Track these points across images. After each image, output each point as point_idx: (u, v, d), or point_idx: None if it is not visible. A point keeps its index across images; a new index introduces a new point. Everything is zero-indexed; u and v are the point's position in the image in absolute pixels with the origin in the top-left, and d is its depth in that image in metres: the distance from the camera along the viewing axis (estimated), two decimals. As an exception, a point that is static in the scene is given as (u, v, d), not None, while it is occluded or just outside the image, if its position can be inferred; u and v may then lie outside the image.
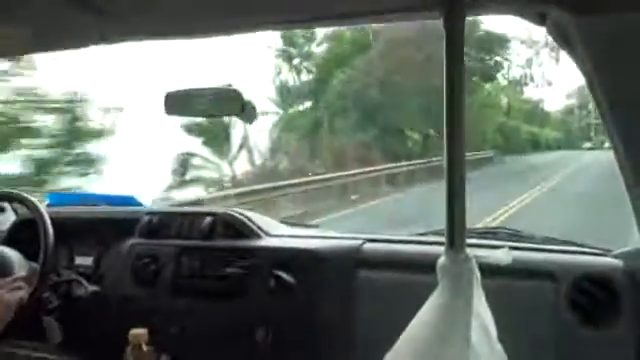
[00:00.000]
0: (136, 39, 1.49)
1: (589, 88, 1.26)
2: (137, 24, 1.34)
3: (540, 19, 1.18)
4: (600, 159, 21.43)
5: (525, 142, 35.58)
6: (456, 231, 1.13)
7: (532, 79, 41.10)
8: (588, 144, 48.97)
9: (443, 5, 1.10)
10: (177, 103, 1.98)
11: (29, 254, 2.22)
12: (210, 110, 2.06)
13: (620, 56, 1.15)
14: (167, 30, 1.42)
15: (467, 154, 1.14)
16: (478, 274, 1.15)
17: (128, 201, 2.76)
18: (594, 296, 1.76)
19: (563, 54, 1.22)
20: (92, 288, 2.28)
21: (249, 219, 2.30)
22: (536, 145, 38.70)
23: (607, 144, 1.42)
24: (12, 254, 2.22)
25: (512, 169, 23.32)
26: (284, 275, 2.05)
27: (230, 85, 1.91)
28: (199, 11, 1.24)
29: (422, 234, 2.25)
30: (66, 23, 1.28)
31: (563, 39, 1.19)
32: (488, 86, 28.23)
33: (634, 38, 1.08)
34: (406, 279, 1.90)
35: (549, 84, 44.74)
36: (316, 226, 2.88)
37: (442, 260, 1.14)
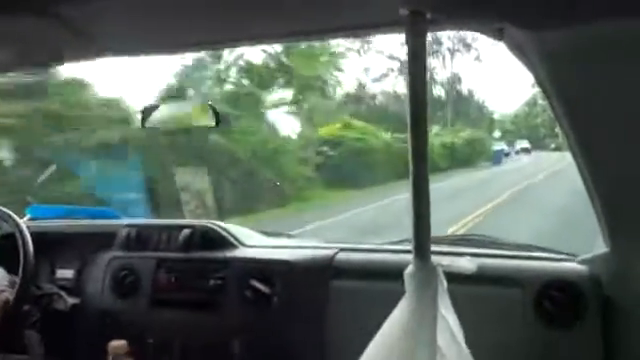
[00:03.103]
0: (119, 55, 1.52)
1: (546, 99, 1.32)
2: (119, 42, 1.37)
3: (498, 34, 1.24)
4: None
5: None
6: (422, 241, 1.18)
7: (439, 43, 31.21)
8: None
9: (406, 22, 1.16)
10: (154, 116, 2.02)
11: (11, 268, 2.23)
12: (187, 123, 2.11)
13: (572, 66, 1.20)
14: (156, 45, 1.46)
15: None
16: (444, 281, 1.20)
17: (107, 214, 2.79)
18: (560, 301, 1.81)
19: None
20: (72, 301, 2.29)
21: (226, 230, 2.33)
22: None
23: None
24: None
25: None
26: (259, 285, 2.10)
27: (207, 100, 1.96)
28: (185, 28, 1.28)
29: (394, 242, 2.29)
30: (48, 42, 1.31)
31: (519, 52, 1.24)
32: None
33: (586, 49, 1.14)
34: (377, 287, 1.93)
35: (467, 48, 32.04)
36: (292, 235, 2.92)
37: (409, 269, 1.19)
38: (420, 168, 1.17)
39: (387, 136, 20.94)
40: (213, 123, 1.92)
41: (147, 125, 2.03)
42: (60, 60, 1.57)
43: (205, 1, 1.04)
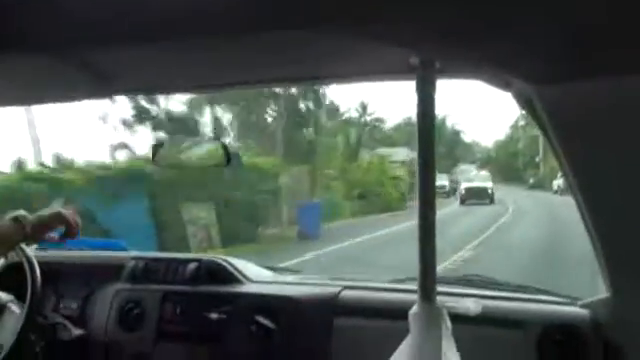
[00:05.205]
0: (133, 94, 1.58)
1: (552, 151, 1.37)
2: (135, 82, 1.42)
3: (506, 86, 1.29)
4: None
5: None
6: (428, 282, 1.21)
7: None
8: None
9: (417, 70, 1.21)
10: (165, 153, 2.06)
11: (18, 297, 2.25)
12: (198, 161, 2.14)
13: (575, 118, 1.25)
14: (169, 85, 1.51)
15: None
16: (449, 323, 1.23)
17: (115, 246, 2.81)
18: (562, 345, 1.82)
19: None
20: (77, 332, 2.31)
21: (232, 266, 2.36)
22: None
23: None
24: (1, 294, 2.25)
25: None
26: (264, 320, 2.12)
27: (217, 137, 1.99)
28: (189, 69, 1.33)
29: (399, 281, 2.31)
30: (63, 81, 1.35)
31: (526, 105, 1.29)
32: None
33: (587, 102, 1.19)
34: (381, 326, 1.94)
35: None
36: (298, 271, 2.94)
37: (414, 310, 1.22)
38: (427, 211, 1.22)
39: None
40: (224, 162, 1.94)
41: (156, 162, 2.07)
42: (73, 97, 1.61)
43: (219, 44, 1.08)
